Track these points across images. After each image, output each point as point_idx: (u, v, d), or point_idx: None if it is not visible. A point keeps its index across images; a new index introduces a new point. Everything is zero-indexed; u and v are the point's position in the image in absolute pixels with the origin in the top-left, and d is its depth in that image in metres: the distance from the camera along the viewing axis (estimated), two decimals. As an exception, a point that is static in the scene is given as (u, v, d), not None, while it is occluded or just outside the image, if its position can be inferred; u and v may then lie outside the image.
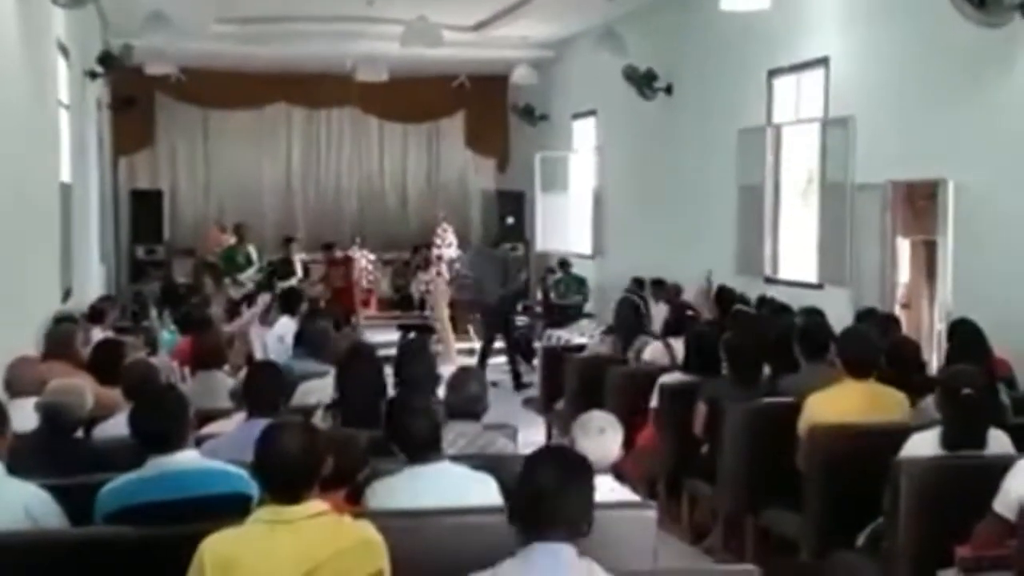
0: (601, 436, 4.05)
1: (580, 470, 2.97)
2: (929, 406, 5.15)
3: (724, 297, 9.51)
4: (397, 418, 4.10)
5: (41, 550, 3.67)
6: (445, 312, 14.33)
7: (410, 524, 3.66)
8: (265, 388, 4.80)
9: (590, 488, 2.95)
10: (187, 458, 3.91)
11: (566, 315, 13.61)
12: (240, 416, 4.95)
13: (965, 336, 6.15)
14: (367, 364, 5.47)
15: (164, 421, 3.91)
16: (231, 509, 3.38)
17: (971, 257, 7.73)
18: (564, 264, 14.56)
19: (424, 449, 3.98)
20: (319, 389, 5.95)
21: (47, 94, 9.41)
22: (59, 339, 6.83)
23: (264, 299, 12.07)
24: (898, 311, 8.38)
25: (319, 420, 5.09)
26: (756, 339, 6.70)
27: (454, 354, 13.33)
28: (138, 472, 3.84)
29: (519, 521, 2.91)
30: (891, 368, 5.66)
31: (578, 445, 4.07)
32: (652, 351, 7.99)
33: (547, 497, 2.88)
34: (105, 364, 6.06)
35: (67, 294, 9.78)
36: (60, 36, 10.12)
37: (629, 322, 8.69)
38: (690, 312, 8.72)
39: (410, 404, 4.15)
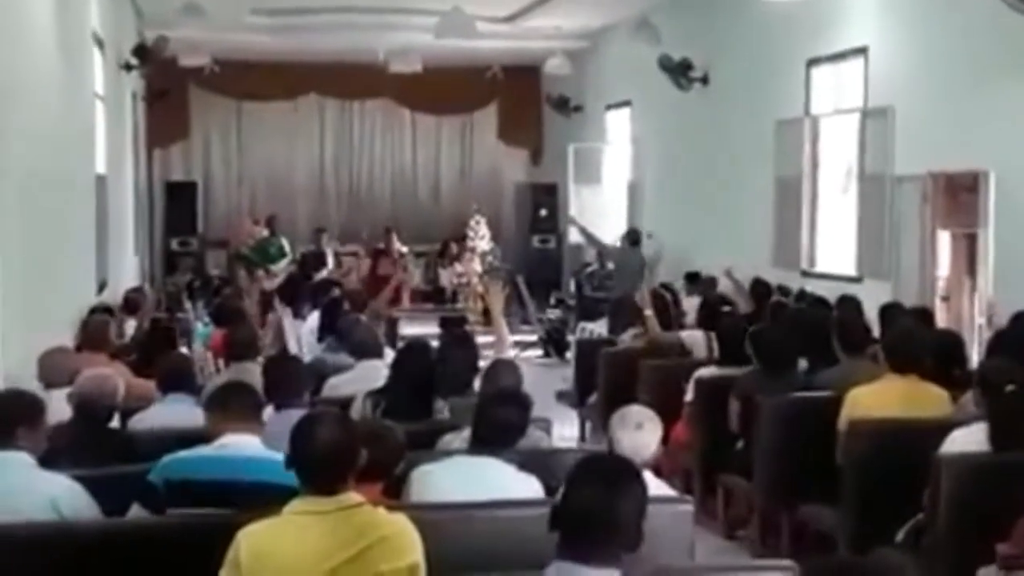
0: (639, 431, 4.00)
1: (631, 482, 2.78)
2: (970, 402, 5.07)
3: (760, 290, 9.41)
4: (486, 403, 4.16)
5: (69, 540, 3.67)
6: (500, 305, 14.12)
7: (449, 516, 3.65)
8: (281, 380, 4.93)
9: (642, 502, 2.76)
10: (252, 444, 4.01)
11: (600, 308, 13.47)
12: (269, 408, 4.95)
13: (1017, 330, 6.05)
14: (422, 358, 5.47)
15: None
16: (280, 500, 3.38)
17: (1012, 250, 7.61)
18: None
19: (492, 441, 4.00)
20: (349, 382, 5.94)
21: (83, 86, 9.45)
22: (93, 331, 6.85)
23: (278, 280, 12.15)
24: (938, 304, 8.28)
25: (357, 408, 5.09)
26: (784, 330, 6.61)
27: (507, 347, 13.21)
28: (211, 448, 3.98)
29: (564, 533, 2.72)
30: (933, 362, 5.57)
31: (616, 440, 4.02)
32: (691, 337, 7.91)
33: (597, 517, 2.69)
34: (150, 348, 6.20)
35: (102, 286, 9.83)
36: (95, 28, 10.17)
37: (623, 322, 8.62)
38: (727, 307, 8.61)
39: (503, 394, 4.17)
